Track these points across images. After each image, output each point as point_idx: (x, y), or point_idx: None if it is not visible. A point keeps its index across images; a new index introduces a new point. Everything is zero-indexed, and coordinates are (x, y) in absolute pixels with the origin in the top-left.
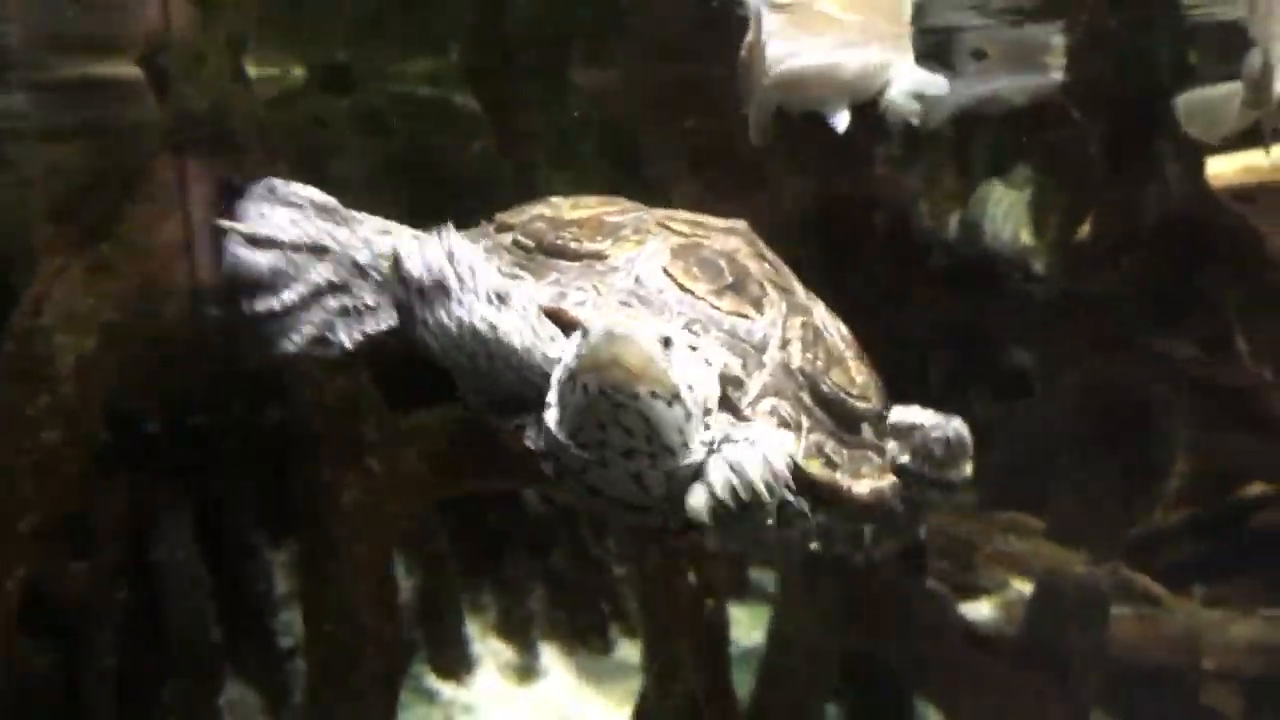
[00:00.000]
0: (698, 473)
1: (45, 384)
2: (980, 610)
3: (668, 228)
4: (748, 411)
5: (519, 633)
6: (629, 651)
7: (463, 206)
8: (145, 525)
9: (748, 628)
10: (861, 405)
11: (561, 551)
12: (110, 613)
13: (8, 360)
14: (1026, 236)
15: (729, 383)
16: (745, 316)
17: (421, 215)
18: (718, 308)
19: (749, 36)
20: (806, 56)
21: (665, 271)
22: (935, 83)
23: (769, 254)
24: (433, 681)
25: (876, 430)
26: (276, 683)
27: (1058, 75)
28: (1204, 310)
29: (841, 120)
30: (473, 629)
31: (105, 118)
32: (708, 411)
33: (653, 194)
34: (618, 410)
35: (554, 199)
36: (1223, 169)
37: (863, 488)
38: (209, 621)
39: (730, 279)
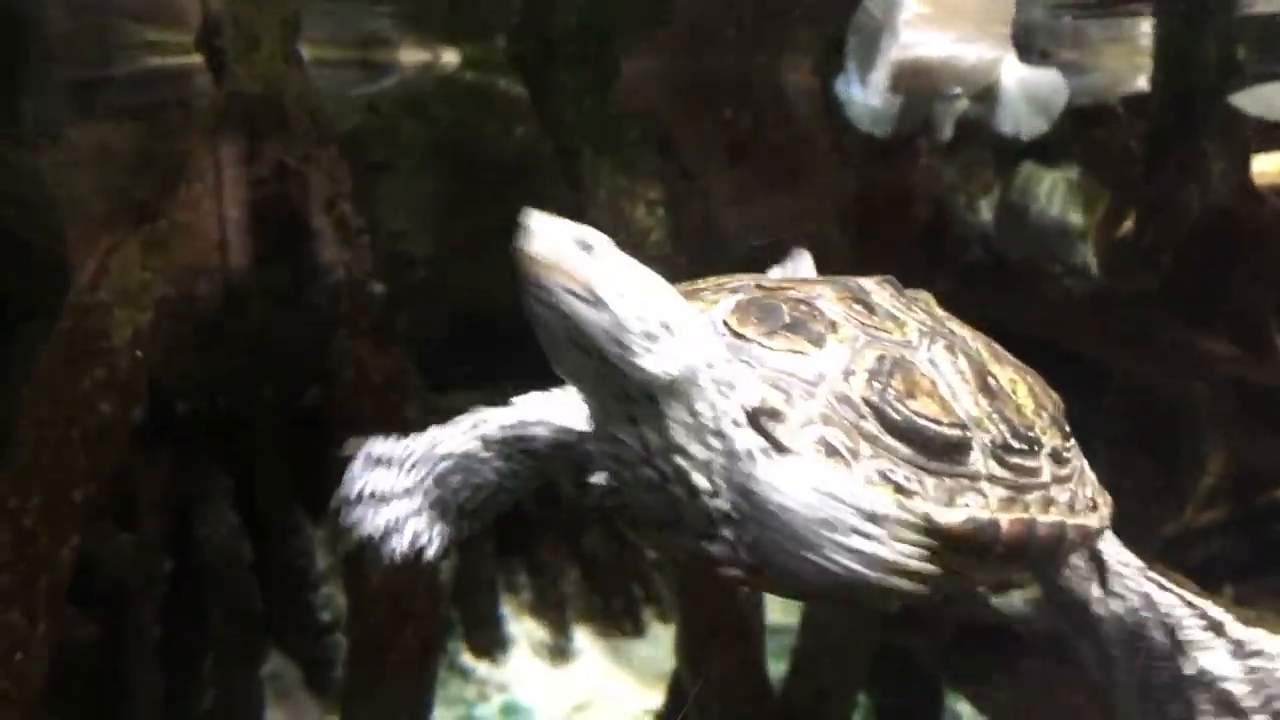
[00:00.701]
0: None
1: (101, 358)
2: (1012, 603)
3: (762, 286)
4: (789, 442)
5: (552, 614)
6: (660, 634)
7: (504, 191)
8: (189, 499)
9: (781, 611)
10: (954, 433)
11: (594, 533)
12: (155, 584)
13: (66, 334)
14: (1075, 216)
15: (765, 414)
16: (799, 353)
17: (465, 198)
18: (767, 347)
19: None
20: (933, 46)
21: (723, 322)
22: (1052, 80)
23: (885, 297)
24: (467, 659)
25: (1011, 462)
26: (316, 656)
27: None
28: (1241, 309)
29: (948, 127)
30: (507, 609)
31: (160, 98)
32: (664, 326)
33: (691, 184)
34: (547, 312)
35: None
36: (1267, 167)
37: (955, 516)
38: (251, 595)
39: (788, 320)
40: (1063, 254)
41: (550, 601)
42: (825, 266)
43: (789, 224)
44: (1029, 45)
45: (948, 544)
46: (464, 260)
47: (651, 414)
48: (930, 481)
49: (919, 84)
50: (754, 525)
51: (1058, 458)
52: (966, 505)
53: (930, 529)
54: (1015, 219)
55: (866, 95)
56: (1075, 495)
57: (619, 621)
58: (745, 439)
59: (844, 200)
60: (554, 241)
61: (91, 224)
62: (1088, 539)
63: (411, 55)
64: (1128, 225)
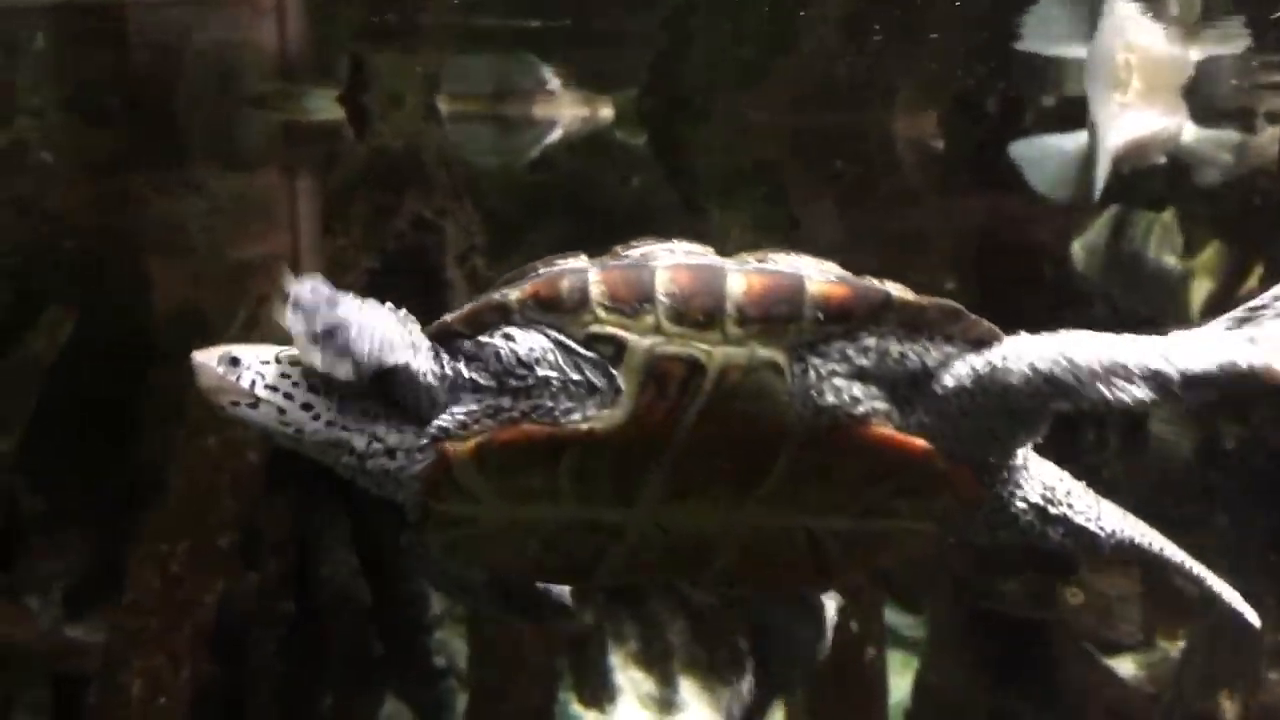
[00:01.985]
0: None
1: None
2: (1123, 669)
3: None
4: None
5: (659, 665)
6: None
7: (618, 240)
8: (309, 541)
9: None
10: None
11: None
12: (276, 624)
13: None
14: (1171, 259)
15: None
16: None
17: (581, 246)
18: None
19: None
20: (1150, 122)
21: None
22: (1227, 137)
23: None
24: (576, 708)
25: None
26: (430, 701)
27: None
28: None
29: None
30: (614, 659)
31: (306, 153)
32: (311, 392)
33: (799, 236)
34: (240, 422)
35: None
36: None
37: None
38: (368, 638)
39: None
40: (1165, 302)
41: (657, 652)
42: None
43: (894, 275)
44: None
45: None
46: None
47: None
48: None
49: (1138, 155)
50: None
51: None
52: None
53: None
54: (1126, 267)
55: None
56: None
57: (725, 675)
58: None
59: (962, 254)
60: (208, 372)
61: (242, 274)
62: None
63: (571, 110)
64: (1253, 280)
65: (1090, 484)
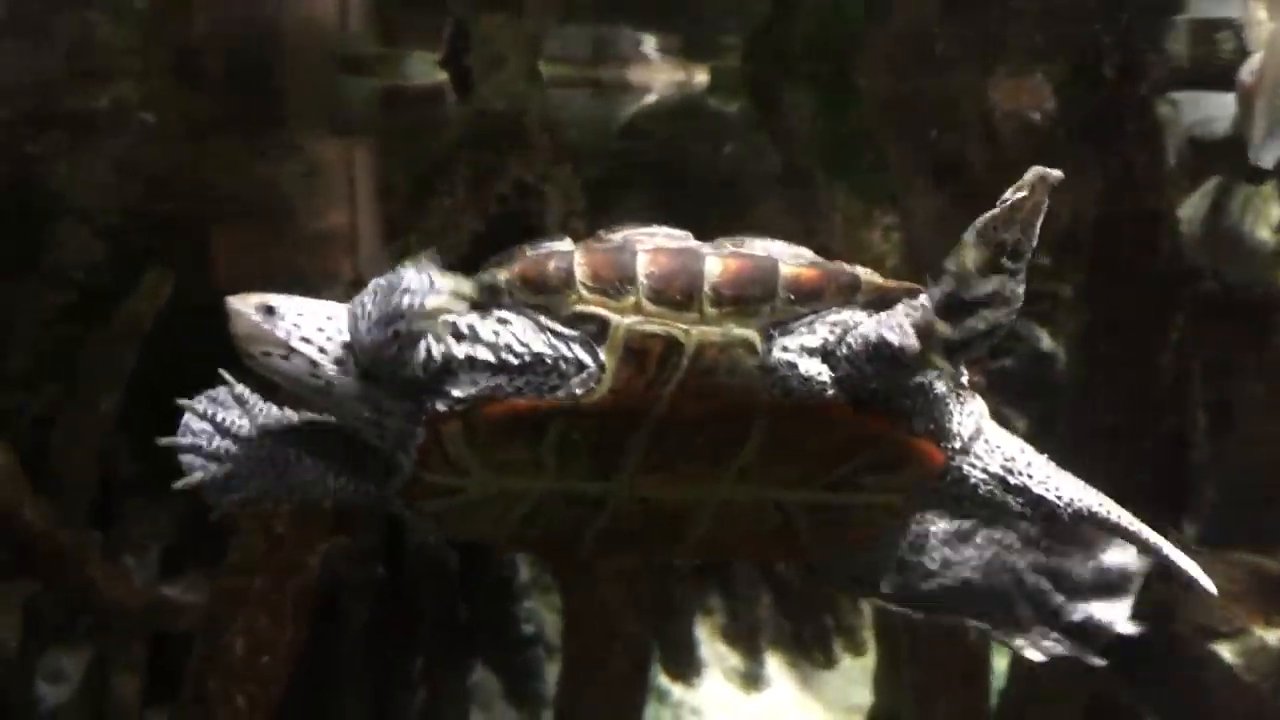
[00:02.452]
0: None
1: None
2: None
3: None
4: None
5: (745, 639)
6: (851, 667)
7: (711, 209)
8: None
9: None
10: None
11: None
12: (367, 589)
13: None
14: (1266, 233)
15: None
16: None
17: (672, 215)
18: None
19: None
20: None
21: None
22: None
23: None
24: (664, 681)
25: None
26: (518, 668)
27: None
28: None
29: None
30: (701, 632)
31: (405, 118)
32: (344, 349)
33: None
34: (263, 372)
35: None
36: None
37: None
38: (457, 605)
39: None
40: (1258, 276)
41: (744, 627)
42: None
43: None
44: None
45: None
46: None
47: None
48: None
49: None
50: None
51: None
52: None
53: None
54: (1224, 241)
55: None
56: None
57: (810, 651)
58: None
59: (1077, 223)
60: (244, 319)
61: (344, 238)
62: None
63: (666, 75)
64: None
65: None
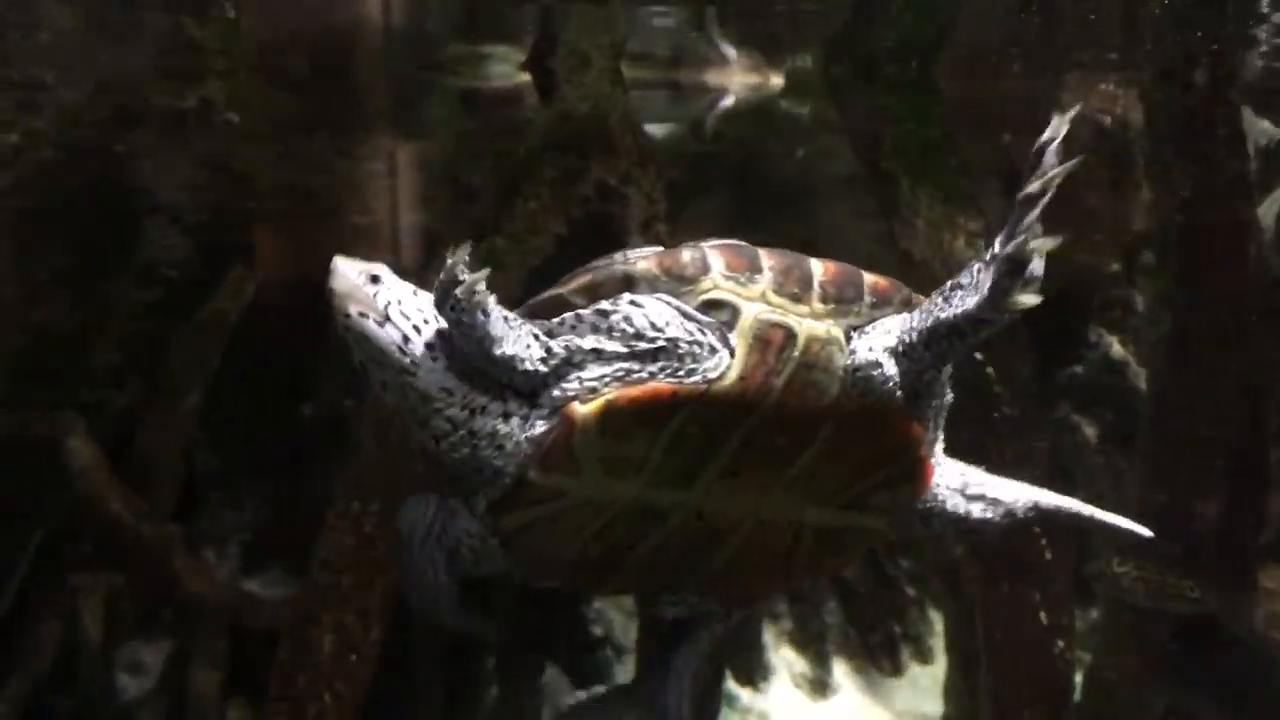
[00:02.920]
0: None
1: None
2: None
3: None
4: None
5: (812, 645)
6: (919, 675)
7: (784, 210)
8: None
9: None
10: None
11: (855, 567)
12: None
13: None
14: None
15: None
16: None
17: (746, 216)
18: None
19: None
20: None
21: None
22: None
23: None
24: (732, 685)
25: None
26: (586, 669)
27: None
28: None
29: None
30: (768, 637)
31: (494, 119)
32: (439, 336)
33: (965, 209)
34: (349, 335)
35: None
36: None
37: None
38: (528, 605)
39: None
40: None
41: (811, 633)
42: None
43: (1059, 253)
44: None
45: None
46: None
47: (446, 400)
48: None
49: None
50: None
51: None
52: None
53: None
54: None
55: None
56: None
57: (877, 658)
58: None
59: (1166, 230)
60: (346, 277)
61: (423, 237)
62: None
63: (742, 78)
64: None
65: None
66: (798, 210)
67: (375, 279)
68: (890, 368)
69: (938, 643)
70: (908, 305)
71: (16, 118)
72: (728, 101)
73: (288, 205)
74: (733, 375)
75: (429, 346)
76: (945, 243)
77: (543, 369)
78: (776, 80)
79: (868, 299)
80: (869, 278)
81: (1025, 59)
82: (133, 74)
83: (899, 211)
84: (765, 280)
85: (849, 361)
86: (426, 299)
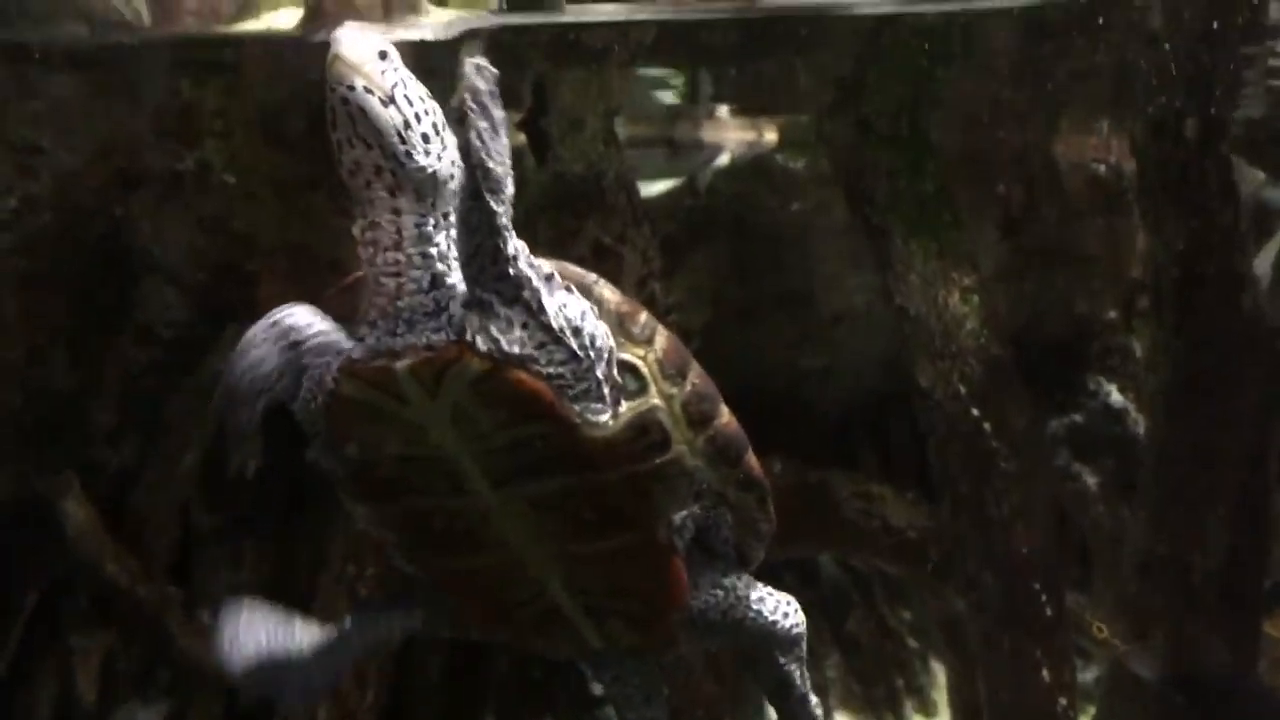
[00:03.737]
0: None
1: None
2: None
3: None
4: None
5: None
6: None
7: (779, 264)
8: None
9: None
10: None
11: (857, 619)
12: (439, 648)
13: None
14: None
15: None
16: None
17: (739, 270)
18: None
19: None
20: None
21: None
22: None
23: None
24: None
25: None
26: None
27: None
28: None
29: None
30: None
31: None
32: (436, 129)
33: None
34: (345, 108)
35: None
36: None
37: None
38: (529, 661)
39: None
40: None
41: (813, 686)
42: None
43: (1056, 301)
44: None
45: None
46: (735, 330)
47: (413, 207)
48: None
49: None
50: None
51: None
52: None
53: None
54: None
55: None
56: None
57: (880, 712)
58: (512, 245)
59: (1160, 280)
60: (360, 48)
61: None
62: None
63: (737, 133)
64: None
65: None
66: (793, 262)
67: (384, 55)
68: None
69: (941, 696)
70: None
71: (15, 182)
72: (723, 158)
73: (287, 263)
74: (604, 435)
75: (424, 139)
76: (940, 298)
77: (506, 253)
78: (771, 136)
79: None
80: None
81: (1017, 113)
82: (131, 137)
83: (894, 267)
84: (683, 392)
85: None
86: (427, 93)
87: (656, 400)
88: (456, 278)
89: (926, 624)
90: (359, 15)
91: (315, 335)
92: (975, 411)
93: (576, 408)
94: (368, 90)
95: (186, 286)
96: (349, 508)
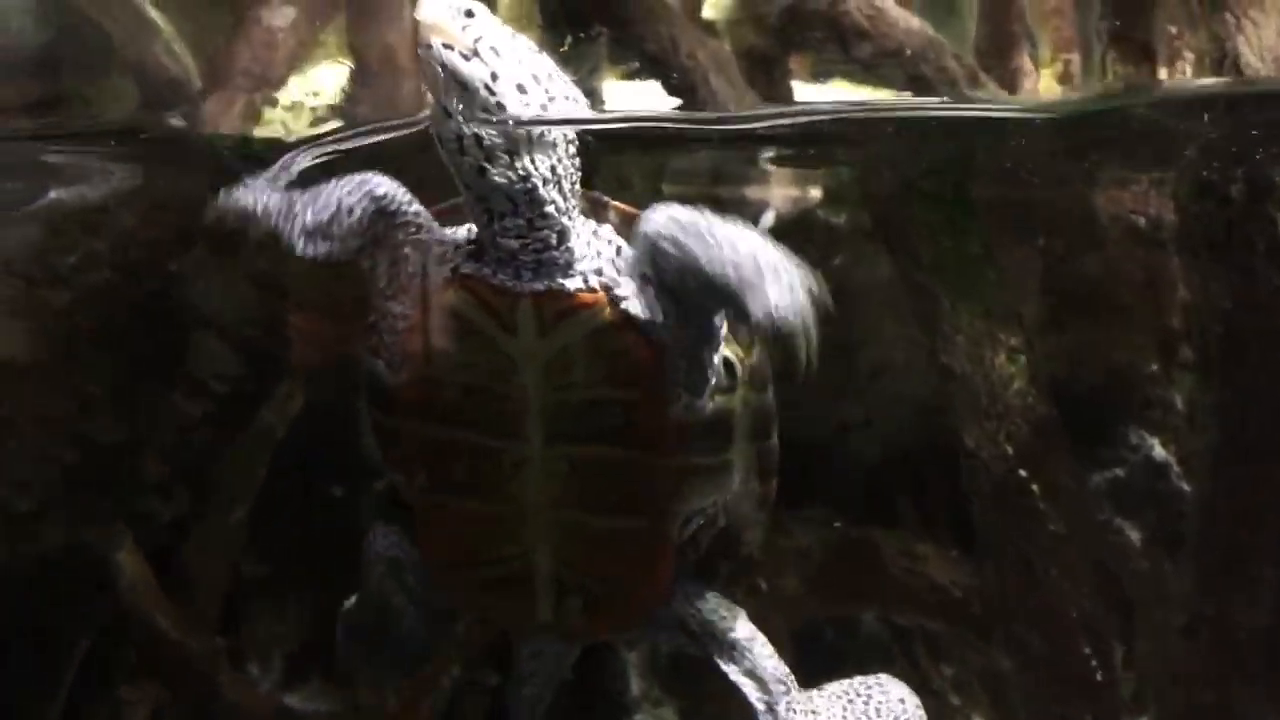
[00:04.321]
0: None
1: None
2: None
3: None
4: None
5: None
6: None
7: (821, 316)
8: None
9: None
10: None
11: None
12: (482, 696)
13: None
14: None
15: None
16: None
17: None
18: None
19: None
20: None
21: None
22: None
23: None
24: None
25: None
26: None
27: None
28: None
29: None
30: None
31: None
32: (533, 79)
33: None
34: (429, 67)
35: None
36: None
37: None
38: (569, 714)
39: None
40: None
41: None
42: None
43: (1095, 355)
44: None
45: None
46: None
47: (505, 163)
48: None
49: None
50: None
51: None
52: None
53: None
54: None
55: None
56: None
57: None
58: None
59: (1207, 339)
60: (437, 7)
61: None
62: None
63: (781, 190)
64: None
65: None
66: (836, 314)
67: (469, 14)
68: None
69: None
70: None
71: (80, 239)
72: (769, 216)
73: (321, 307)
74: (684, 420)
75: (520, 89)
76: (986, 358)
77: (568, 184)
78: (815, 192)
79: None
80: None
81: (1059, 171)
82: (184, 194)
83: (939, 326)
84: (760, 402)
85: None
86: (530, 46)
87: (738, 403)
88: (580, 225)
89: (969, 681)
90: (402, 71)
91: (412, 214)
92: (1023, 472)
93: (676, 389)
94: (446, 46)
95: (236, 341)
96: (373, 423)
